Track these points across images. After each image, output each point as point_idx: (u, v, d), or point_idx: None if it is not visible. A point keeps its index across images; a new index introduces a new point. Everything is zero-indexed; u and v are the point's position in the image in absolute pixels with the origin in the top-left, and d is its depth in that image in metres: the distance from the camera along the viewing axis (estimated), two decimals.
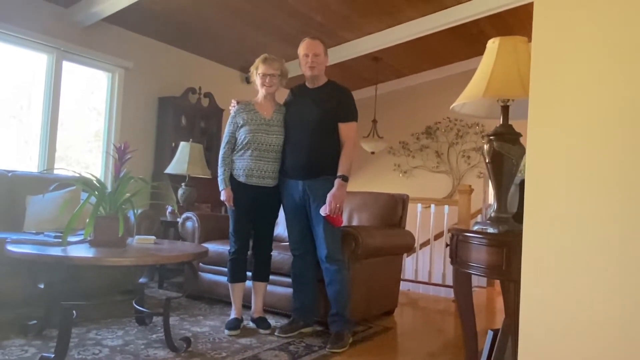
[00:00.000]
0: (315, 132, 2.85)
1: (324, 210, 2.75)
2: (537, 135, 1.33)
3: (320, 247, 2.85)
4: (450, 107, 1.96)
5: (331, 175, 2.84)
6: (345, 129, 2.87)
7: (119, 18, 4.56)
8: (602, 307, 1.19)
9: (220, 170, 2.95)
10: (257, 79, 2.97)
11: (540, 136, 1.33)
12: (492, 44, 1.89)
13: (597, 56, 1.24)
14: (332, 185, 2.81)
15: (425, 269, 5.07)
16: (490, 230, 1.83)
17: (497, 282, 4.83)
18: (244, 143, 2.91)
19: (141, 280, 2.97)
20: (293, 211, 2.97)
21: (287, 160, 2.94)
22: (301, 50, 2.91)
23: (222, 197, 2.93)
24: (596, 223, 1.21)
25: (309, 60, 2.87)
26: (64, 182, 2.93)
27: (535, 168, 1.33)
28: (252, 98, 3.06)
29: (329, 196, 2.76)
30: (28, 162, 4.33)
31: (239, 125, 2.94)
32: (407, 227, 3.87)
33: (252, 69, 2.99)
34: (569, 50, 1.29)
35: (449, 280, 4.78)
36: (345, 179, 2.81)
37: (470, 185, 4.65)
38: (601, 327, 1.20)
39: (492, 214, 1.89)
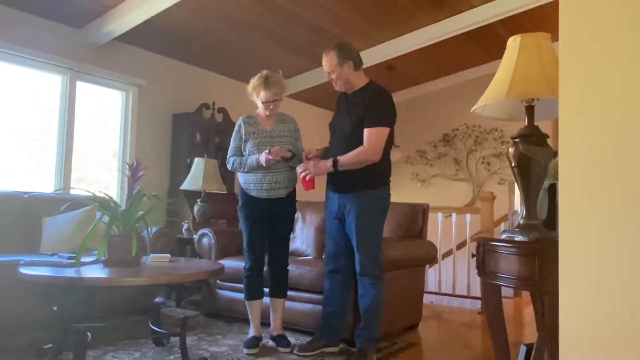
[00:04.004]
0: (348, 143, 2.70)
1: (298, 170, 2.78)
2: (570, 135, 1.23)
3: (356, 262, 2.74)
4: (472, 109, 1.87)
5: (367, 189, 2.70)
6: (367, 134, 2.66)
7: (131, 37, 4.58)
8: None
9: (237, 162, 2.89)
10: (257, 102, 2.89)
11: (574, 136, 1.22)
12: (514, 42, 1.80)
13: (635, 48, 1.14)
14: (368, 201, 2.69)
15: (449, 280, 4.92)
16: (520, 238, 1.72)
17: (525, 292, 4.66)
18: None
19: (157, 299, 2.91)
20: (330, 224, 2.87)
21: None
22: None
23: (263, 160, 2.75)
24: None
25: (329, 78, 2.80)
26: (76, 202, 2.90)
27: (569, 170, 1.23)
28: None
29: (310, 161, 2.75)
30: (48, 185, 4.33)
31: (243, 139, 2.91)
32: (428, 238, 3.75)
33: (250, 90, 2.87)
34: (602, 42, 1.19)
35: (474, 292, 4.63)
36: (335, 163, 2.67)
37: (492, 192, 4.51)
38: None
39: (521, 221, 1.78)
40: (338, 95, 2.96)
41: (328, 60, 2.75)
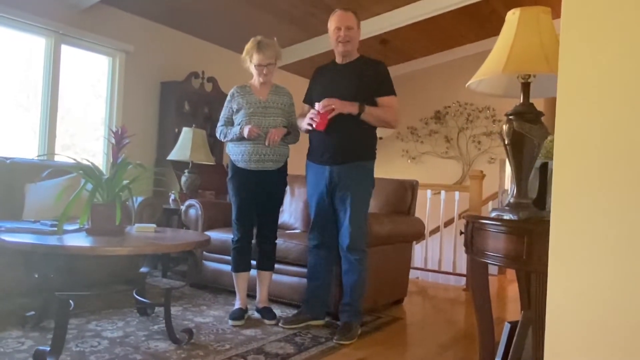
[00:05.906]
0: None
1: (319, 105, 2.62)
2: (568, 113, 1.20)
3: (344, 236, 2.69)
4: (467, 84, 1.82)
5: (362, 160, 2.69)
6: (387, 102, 2.69)
7: (119, 0, 4.42)
8: None
9: (224, 132, 2.87)
10: (252, 68, 2.84)
11: (571, 115, 1.19)
12: (512, 15, 1.74)
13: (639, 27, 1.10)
14: (363, 173, 2.68)
15: (435, 257, 4.95)
16: (509, 216, 1.71)
17: (509, 270, 4.71)
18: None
19: (142, 269, 2.88)
20: (317, 199, 2.79)
21: (312, 143, 2.80)
22: (332, 23, 2.70)
23: (246, 133, 2.72)
24: (635, 208, 1.08)
25: (341, 34, 2.66)
26: (58, 169, 2.83)
27: (564, 149, 1.20)
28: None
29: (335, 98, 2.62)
30: (33, 151, 4.22)
31: (235, 110, 2.85)
32: (417, 214, 3.75)
33: (245, 56, 2.83)
34: (606, 19, 1.14)
35: (460, 268, 4.66)
36: (362, 109, 2.61)
37: (481, 171, 4.51)
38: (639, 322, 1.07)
39: (511, 200, 1.76)
40: (317, 70, 2.91)
41: (352, 18, 2.69)
